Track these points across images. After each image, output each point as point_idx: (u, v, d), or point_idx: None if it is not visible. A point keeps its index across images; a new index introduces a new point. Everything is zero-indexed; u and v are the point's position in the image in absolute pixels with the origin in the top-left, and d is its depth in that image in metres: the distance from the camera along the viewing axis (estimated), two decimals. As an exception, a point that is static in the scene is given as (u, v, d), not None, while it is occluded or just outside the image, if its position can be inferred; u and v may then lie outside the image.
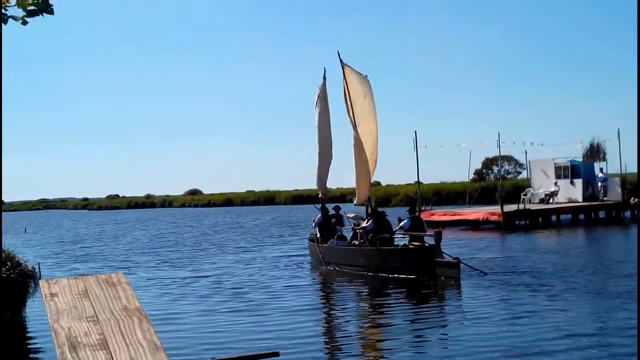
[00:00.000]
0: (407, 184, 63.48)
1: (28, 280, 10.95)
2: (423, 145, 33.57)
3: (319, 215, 19.05)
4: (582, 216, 32.94)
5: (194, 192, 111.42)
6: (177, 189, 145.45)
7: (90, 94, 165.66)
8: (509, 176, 65.02)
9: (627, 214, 33.43)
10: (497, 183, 41.33)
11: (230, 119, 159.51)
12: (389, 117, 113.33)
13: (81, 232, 42.55)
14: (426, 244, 15.99)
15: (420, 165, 31.71)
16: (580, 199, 34.31)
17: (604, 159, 35.62)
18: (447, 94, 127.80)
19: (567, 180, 34.91)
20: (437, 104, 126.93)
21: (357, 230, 17.52)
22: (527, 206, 32.16)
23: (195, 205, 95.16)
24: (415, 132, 31.31)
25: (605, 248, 20.99)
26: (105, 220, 62.77)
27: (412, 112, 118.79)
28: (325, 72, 19.83)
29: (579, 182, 34.63)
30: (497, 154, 33.67)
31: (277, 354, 5.70)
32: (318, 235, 18.84)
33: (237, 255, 22.10)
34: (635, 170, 38.64)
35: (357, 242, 17.57)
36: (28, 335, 10.66)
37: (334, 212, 19.29)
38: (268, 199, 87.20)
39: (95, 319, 4.96)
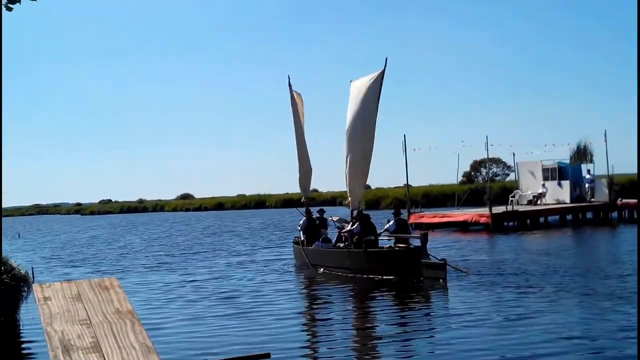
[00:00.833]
0: (396, 187, 63.68)
1: (21, 284, 10.98)
2: (412, 148, 33.82)
3: (304, 219, 19.19)
4: (569, 217, 33.22)
5: (186, 197, 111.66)
6: (169, 194, 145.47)
7: (82, 100, 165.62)
8: (497, 178, 65.48)
9: (615, 214, 33.72)
10: (485, 185, 41.62)
11: (221, 124, 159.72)
12: (378, 121, 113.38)
13: (74, 237, 42.44)
14: (411, 246, 16.12)
15: (409, 168, 31.94)
16: (567, 200, 34.58)
17: (591, 161, 35.92)
18: (436, 98, 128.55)
19: (555, 182, 35.17)
20: (426, 108, 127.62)
21: (343, 233, 17.64)
22: (515, 208, 32.38)
23: (187, 210, 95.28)
24: (404, 135, 31.48)
25: (593, 249, 21.17)
26: (98, 225, 62.65)
27: (400, 116, 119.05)
28: (289, 79, 20.33)
29: (566, 183, 34.90)
30: (485, 157, 33.91)
31: (267, 356, 5.80)
32: (303, 238, 18.97)
33: (225, 259, 22.12)
34: (622, 171, 39.10)
35: (341, 245, 17.70)
36: (22, 339, 10.67)
37: (318, 216, 19.44)
38: (259, 202, 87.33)
39: (88, 322, 5.03)
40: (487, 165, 45.78)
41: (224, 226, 46.22)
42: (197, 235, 37.73)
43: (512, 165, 39.00)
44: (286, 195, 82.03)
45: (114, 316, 5.12)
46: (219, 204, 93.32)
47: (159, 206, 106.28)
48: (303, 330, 10.91)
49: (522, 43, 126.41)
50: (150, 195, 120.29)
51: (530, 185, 36.05)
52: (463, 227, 30.66)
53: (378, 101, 17.31)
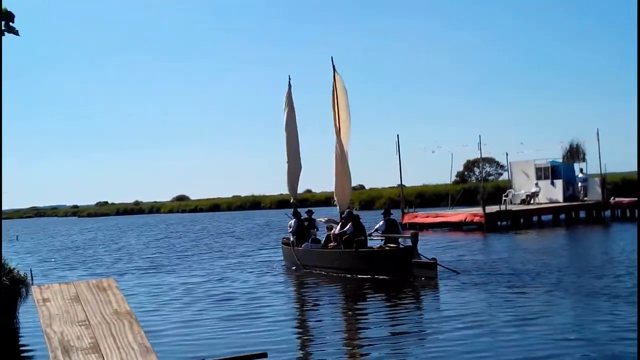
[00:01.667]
0: (390, 187, 63.88)
1: (20, 286, 11.02)
2: (405, 148, 33.92)
3: (294, 220, 19.33)
4: (562, 216, 33.36)
5: (182, 198, 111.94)
6: (165, 195, 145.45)
7: (77, 103, 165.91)
8: (490, 178, 65.74)
9: (607, 213, 33.92)
10: (478, 185, 41.76)
11: (215, 126, 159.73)
12: (371, 122, 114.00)
13: (72, 239, 42.47)
14: (401, 245, 16.20)
15: (402, 168, 32.04)
16: (560, 199, 34.75)
17: (584, 160, 36.17)
18: (428, 99, 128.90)
19: (548, 181, 35.33)
20: (419, 109, 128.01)
21: (335, 234, 17.72)
22: (509, 207, 32.51)
23: (183, 211, 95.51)
24: (398, 135, 31.64)
25: (586, 248, 21.24)
26: (95, 226, 62.67)
27: (394, 117, 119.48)
28: (290, 79, 20.47)
29: (559, 182, 35.07)
30: (479, 156, 34.04)
31: (265, 355, 5.86)
32: (292, 239, 19.12)
33: (219, 261, 22.15)
34: (615, 170, 39.35)
35: (331, 245, 17.80)
36: (21, 340, 10.71)
37: (306, 217, 19.56)
38: (254, 203, 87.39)
39: (87, 323, 5.07)
40: (481, 165, 45.94)
41: (219, 227, 46.22)
42: (192, 237, 37.73)
43: (505, 164, 39.24)
44: (281, 196, 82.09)
45: (113, 317, 5.17)
46: (214, 205, 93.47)
47: (155, 208, 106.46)
48: (298, 331, 10.96)
49: (514, 43, 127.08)
50: (147, 197, 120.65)
51: (523, 184, 36.21)
52: (457, 226, 30.79)
53: (339, 102, 17.73)
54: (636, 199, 33.80)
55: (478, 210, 30.76)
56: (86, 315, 5.16)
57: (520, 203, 35.13)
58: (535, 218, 32.62)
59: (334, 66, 18.17)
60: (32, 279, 11.52)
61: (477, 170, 63.89)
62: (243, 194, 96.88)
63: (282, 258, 20.58)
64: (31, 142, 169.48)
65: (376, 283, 15.00)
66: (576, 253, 19.71)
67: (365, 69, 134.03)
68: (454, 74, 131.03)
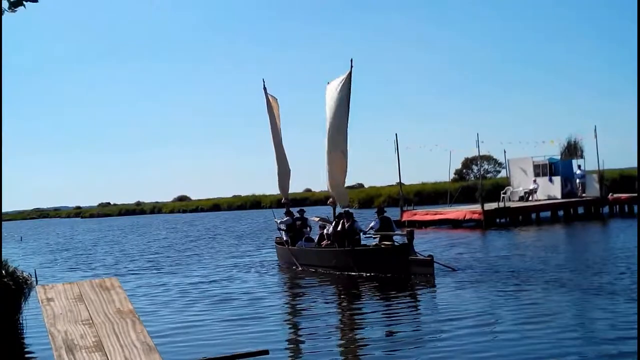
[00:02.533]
0: (389, 185, 63.92)
1: (24, 286, 11.11)
2: (404, 147, 34.01)
3: (287, 219, 19.50)
4: (561, 212, 33.46)
5: (183, 198, 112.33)
6: (166, 196, 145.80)
7: (79, 105, 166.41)
8: (488, 175, 65.76)
9: (606, 209, 34.01)
10: (477, 182, 41.83)
11: (216, 126, 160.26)
12: (370, 121, 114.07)
13: (75, 240, 42.63)
14: (395, 243, 16.27)
15: (401, 166, 32.16)
16: (559, 195, 34.84)
17: (582, 156, 36.25)
18: (426, 97, 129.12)
19: (546, 178, 35.43)
20: (417, 108, 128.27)
21: (326, 232, 17.84)
22: (507, 204, 32.58)
23: (184, 211, 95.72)
24: (396, 134, 31.74)
25: (585, 244, 21.27)
26: (97, 227, 62.86)
27: (392, 116, 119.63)
28: (264, 82, 20.67)
29: (557, 179, 35.16)
30: (477, 154, 34.10)
31: (266, 352, 5.92)
32: (286, 238, 19.27)
33: (218, 260, 22.22)
34: (612, 166, 39.46)
35: (324, 244, 17.91)
36: (26, 340, 10.79)
37: (298, 216, 19.68)
38: (254, 203, 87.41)
39: (91, 322, 5.13)
40: (479, 162, 45.99)
41: (219, 227, 46.26)
42: (192, 236, 37.77)
43: (504, 162, 39.29)
44: (281, 195, 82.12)
45: (116, 316, 5.23)
46: (215, 205, 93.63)
47: (156, 208, 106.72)
48: (298, 329, 11.00)
49: (511, 41, 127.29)
50: (148, 198, 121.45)
51: (521, 181, 36.31)
52: (455, 224, 30.87)
53: (348, 103, 17.60)
54: (634, 194, 33.97)
55: (477, 207, 30.86)
56: (89, 315, 5.22)
57: (519, 200, 35.22)
58: (533, 215, 32.70)
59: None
60: (36, 279, 11.60)
61: (475, 168, 63.98)
62: (243, 194, 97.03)
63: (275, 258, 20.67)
64: (34, 144, 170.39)
65: (373, 281, 15.07)
66: (575, 249, 19.77)
67: (366, 69, 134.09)
68: (452, 72, 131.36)
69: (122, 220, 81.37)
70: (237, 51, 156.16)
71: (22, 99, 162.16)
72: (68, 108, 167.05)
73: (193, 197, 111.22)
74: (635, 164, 36.66)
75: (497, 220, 30.81)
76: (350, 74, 17.30)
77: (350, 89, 17.41)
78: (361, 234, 17.14)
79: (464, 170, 68.39)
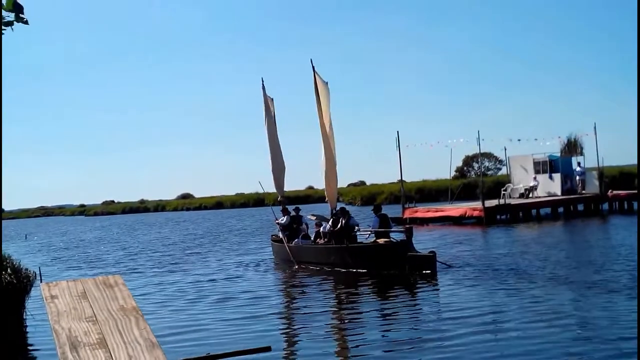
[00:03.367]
0: (390, 183, 63.97)
1: (29, 283, 11.21)
2: (405, 145, 34.08)
3: (286, 217, 19.61)
4: (561, 209, 33.53)
5: (186, 196, 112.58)
6: (170, 194, 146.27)
7: (83, 105, 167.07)
8: (489, 172, 65.82)
9: (605, 206, 34.05)
10: (477, 179, 41.86)
11: (218, 125, 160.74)
12: (371, 119, 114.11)
13: (79, 237, 42.81)
14: (393, 240, 16.32)
15: (403, 164, 32.26)
16: (559, 192, 34.89)
17: (582, 153, 36.26)
18: (427, 96, 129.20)
19: (546, 175, 35.47)
20: (418, 106, 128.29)
21: (322, 231, 17.97)
22: (508, 201, 32.65)
23: (187, 209, 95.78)
24: (398, 132, 31.90)
25: (585, 240, 21.25)
26: (101, 225, 63.03)
27: (393, 114, 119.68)
28: (262, 81, 20.78)
29: (557, 176, 35.21)
30: (477, 151, 34.17)
31: (268, 349, 6.01)
32: (282, 236, 19.43)
33: (220, 258, 22.30)
34: (612, 163, 39.48)
35: (320, 241, 17.98)
36: (30, 337, 10.89)
37: (294, 214, 19.81)
38: (257, 200, 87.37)
39: (94, 319, 5.20)
40: (479, 159, 46.03)
41: (221, 225, 46.33)
42: (193, 235, 37.86)
43: (504, 159, 39.34)
44: (284, 193, 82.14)
45: (119, 313, 5.29)
46: (218, 203, 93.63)
47: (160, 206, 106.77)
48: (298, 327, 11.00)
49: (511, 39, 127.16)
50: (152, 196, 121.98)
51: (522, 178, 36.35)
52: (456, 221, 30.94)
53: (322, 102, 17.87)
54: (633, 191, 34.02)
55: (477, 204, 30.95)
56: (93, 312, 5.28)
57: (519, 197, 35.25)
58: (534, 211, 32.75)
59: (313, 67, 18.28)
60: (40, 277, 11.69)
61: (476, 165, 63.97)
62: (246, 192, 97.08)
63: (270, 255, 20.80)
64: (38, 143, 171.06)
65: (372, 278, 15.11)
66: (575, 246, 19.78)
67: (366, 68, 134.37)
68: (453, 70, 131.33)
69: (125, 218, 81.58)
70: (239, 51, 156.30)
71: (26, 99, 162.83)
72: (72, 107, 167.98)
73: (196, 195, 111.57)
74: (635, 161, 36.75)
75: (498, 217, 30.87)
76: (314, 76, 17.77)
77: (318, 92, 17.82)
78: (356, 228, 17.21)
79: (465, 168, 68.40)
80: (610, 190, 34.57)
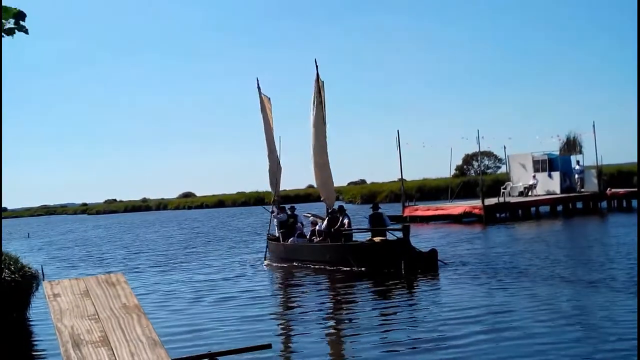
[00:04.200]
0: (391, 181, 63.95)
1: (32, 282, 11.26)
2: (405, 143, 34.13)
3: (282, 215, 19.73)
4: (560, 207, 33.58)
5: (188, 195, 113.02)
6: (171, 192, 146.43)
7: (85, 103, 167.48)
8: (488, 171, 65.83)
9: (604, 204, 34.11)
10: (477, 178, 41.90)
11: (219, 124, 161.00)
12: (372, 118, 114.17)
13: (81, 236, 42.90)
14: (390, 237, 16.35)
15: (403, 162, 32.28)
16: (558, 190, 34.95)
17: (580, 152, 36.31)
18: (427, 95, 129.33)
19: (545, 173, 35.53)
20: (418, 105, 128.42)
21: (318, 229, 18.09)
22: (507, 199, 32.72)
23: (189, 207, 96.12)
24: (398, 131, 31.90)
25: (584, 238, 21.29)
26: (103, 224, 63.14)
27: (394, 113, 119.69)
28: (258, 81, 21.03)
29: (556, 174, 35.27)
30: (477, 150, 34.20)
31: (269, 346, 6.07)
32: (278, 234, 19.54)
33: (220, 258, 22.35)
34: (611, 161, 39.52)
35: (316, 240, 18.05)
36: (33, 335, 10.96)
37: (289, 213, 19.90)
38: (258, 199, 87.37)
39: (97, 317, 5.22)
40: (479, 158, 46.03)
41: (221, 224, 46.37)
42: (194, 234, 37.90)
43: (504, 157, 39.39)
44: (284, 192, 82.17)
45: (121, 311, 5.31)
46: (219, 202, 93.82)
47: (162, 205, 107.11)
48: (297, 325, 11.02)
49: (511, 38, 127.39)
50: (154, 194, 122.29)
51: (521, 177, 36.41)
52: (456, 219, 30.99)
53: (321, 105, 18.00)
54: (632, 189, 34.09)
55: (477, 202, 31.00)
56: (96, 310, 5.30)
57: (519, 195, 35.31)
58: (533, 209, 32.82)
59: (317, 67, 18.41)
60: (43, 275, 11.76)
61: (475, 164, 63.99)
62: (247, 190, 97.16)
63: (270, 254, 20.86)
64: (41, 142, 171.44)
65: (369, 276, 15.11)
66: (574, 244, 19.82)
67: (366, 68, 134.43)
68: (452, 69, 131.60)
69: (128, 217, 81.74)
70: (243, 51, 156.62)
71: (28, 97, 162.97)
72: (73, 106, 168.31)
73: (198, 194, 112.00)
74: (633, 159, 36.81)
75: (498, 215, 30.94)
76: (317, 75, 17.78)
77: (321, 92, 17.89)
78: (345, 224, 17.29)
79: (465, 166, 68.48)
80: (609, 189, 34.63)
